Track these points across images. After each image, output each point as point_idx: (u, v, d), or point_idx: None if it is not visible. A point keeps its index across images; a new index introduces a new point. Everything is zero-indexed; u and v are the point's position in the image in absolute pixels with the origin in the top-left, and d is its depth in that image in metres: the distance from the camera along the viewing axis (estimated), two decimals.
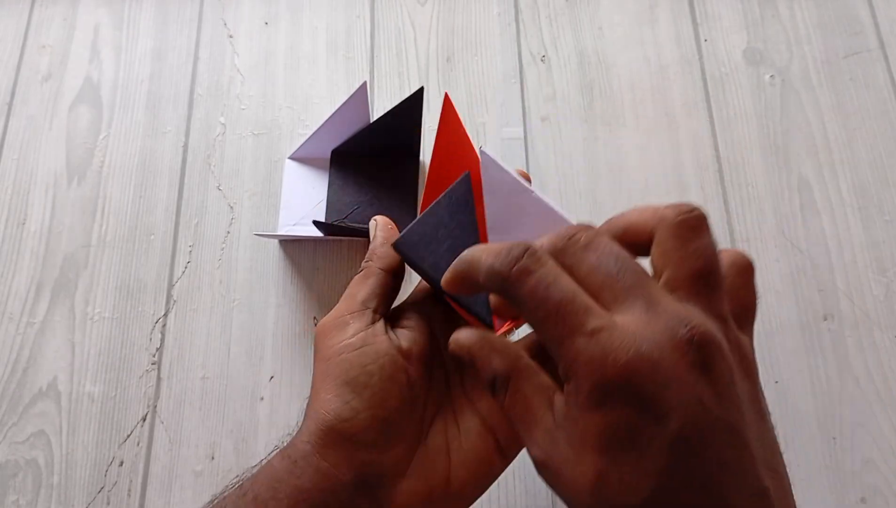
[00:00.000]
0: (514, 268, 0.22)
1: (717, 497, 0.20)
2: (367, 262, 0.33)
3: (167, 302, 0.45)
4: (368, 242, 0.46)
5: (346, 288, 0.46)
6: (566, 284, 0.22)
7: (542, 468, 0.22)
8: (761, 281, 0.45)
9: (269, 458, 0.30)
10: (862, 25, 0.52)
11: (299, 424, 0.30)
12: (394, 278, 0.33)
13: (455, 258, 0.26)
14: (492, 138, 0.49)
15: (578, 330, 0.21)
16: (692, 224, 0.23)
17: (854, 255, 0.46)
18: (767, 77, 0.51)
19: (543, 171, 0.48)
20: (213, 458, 0.42)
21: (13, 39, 0.53)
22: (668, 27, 0.52)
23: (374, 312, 0.32)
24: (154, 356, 0.44)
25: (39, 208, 0.48)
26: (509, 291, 0.22)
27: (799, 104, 0.50)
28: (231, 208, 0.48)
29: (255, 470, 0.30)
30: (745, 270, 0.24)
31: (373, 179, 0.47)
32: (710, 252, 0.23)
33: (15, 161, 0.49)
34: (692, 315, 0.21)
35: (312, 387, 0.30)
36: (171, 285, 0.46)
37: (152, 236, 0.47)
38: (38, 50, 0.53)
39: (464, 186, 0.33)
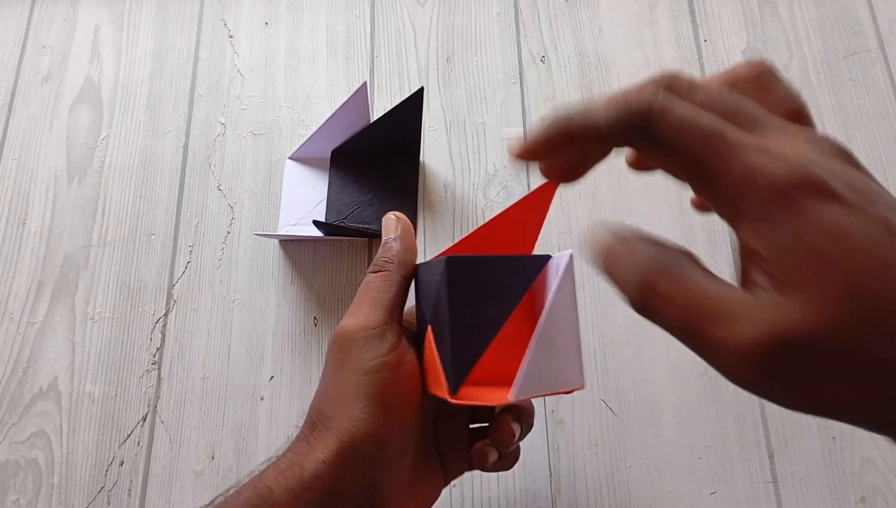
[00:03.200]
0: (655, 105, 0.20)
1: None
2: (387, 263, 0.32)
3: (167, 302, 0.45)
4: (368, 242, 0.46)
5: (346, 287, 0.47)
6: (708, 113, 0.20)
7: (777, 342, 0.18)
8: None
9: (260, 474, 0.28)
10: (862, 25, 0.52)
11: (304, 436, 0.29)
12: (408, 289, 0.32)
13: (473, 316, 0.27)
14: (492, 138, 0.49)
15: (742, 149, 0.19)
16: (769, 72, 0.23)
17: None
18: None
19: None
20: (213, 458, 0.42)
21: (14, 40, 0.53)
22: (667, 28, 0.53)
23: (399, 324, 0.31)
24: (154, 356, 0.44)
25: (40, 208, 0.48)
26: (653, 128, 0.20)
27: None
28: (231, 208, 0.48)
29: (240, 488, 0.28)
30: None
31: (373, 179, 0.47)
32: (795, 94, 0.22)
33: (15, 161, 0.49)
34: (820, 134, 0.20)
35: (337, 400, 0.28)
36: (171, 285, 0.46)
37: (153, 236, 0.47)
38: (39, 50, 0.53)
39: (531, 276, 0.29)
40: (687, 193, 0.49)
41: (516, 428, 0.32)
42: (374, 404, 0.28)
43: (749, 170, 0.19)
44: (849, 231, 0.18)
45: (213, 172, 0.49)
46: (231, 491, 0.28)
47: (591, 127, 0.22)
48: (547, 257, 0.29)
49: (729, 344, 0.18)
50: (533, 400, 0.36)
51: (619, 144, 0.22)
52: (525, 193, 0.48)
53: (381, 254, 0.32)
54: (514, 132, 0.49)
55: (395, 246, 0.32)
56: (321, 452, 0.28)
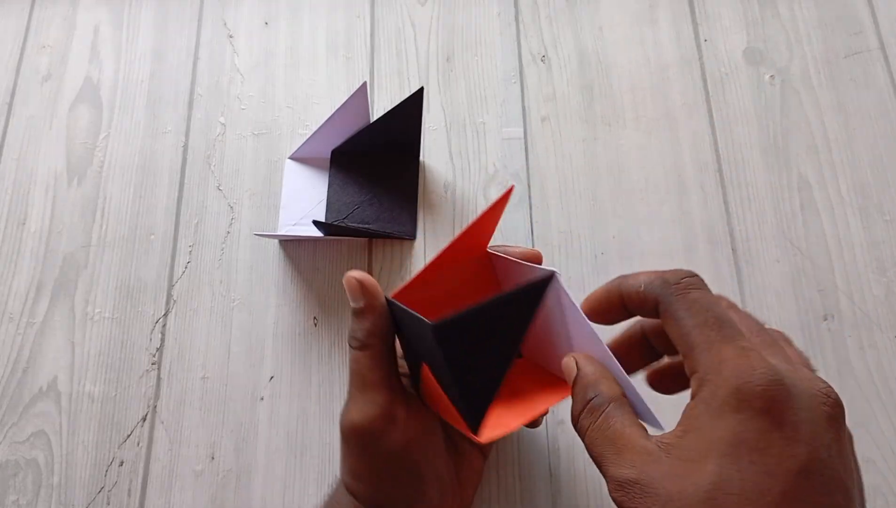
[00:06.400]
0: (683, 280, 0.25)
1: None
2: (369, 336, 0.31)
3: (167, 302, 0.45)
4: (368, 242, 0.46)
5: (344, 288, 0.46)
6: (725, 307, 0.24)
7: (632, 485, 0.23)
8: (761, 281, 0.45)
9: None
10: (862, 25, 0.52)
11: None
12: (394, 351, 0.33)
13: (477, 365, 0.28)
14: (492, 138, 0.49)
15: (731, 342, 0.23)
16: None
17: (854, 255, 0.46)
18: (767, 77, 0.51)
19: (543, 171, 0.48)
20: (213, 458, 0.42)
21: (13, 39, 0.53)
22: (668, 27, 0.52)
23: (399, 391, 0.32)
24: (154, 356, 0.44)
25: (39, 208, 0.48)
26: (672, 297, 0.25)
27: (799, 104, 0.50)
28: (231, 208, 0.48)
29: None
30: None
31: (373, 179, 0.47)
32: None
33: (15, 161, 0.49)
34: (827, 385, 0.23)
35: (375, 482, 0.31)
36: (171, 285, 0.46)
37: (152, 236, 0.47)
38: (38, 50, 0.53)
39: (533, 298, 0.28)
40: (686, 194, 0.49)
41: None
42: (409, 477, 0.31)
43: (718, 363, 0.22)
44: (757, 446, 0.21)
45: (212, 172, 0.49)
46: None
47: (633, 286, 0.27)
48: (543, 283, 0.27)
49: (609, 475, 0.24)
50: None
51: (648, 308, 0.26)
52: (525, 194, 0.48)
53: (358, 326, 0.31)
54: (515, 132, 0.49)
55: (370, 318, 0.31)
56: None
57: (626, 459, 0.23)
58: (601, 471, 0.25)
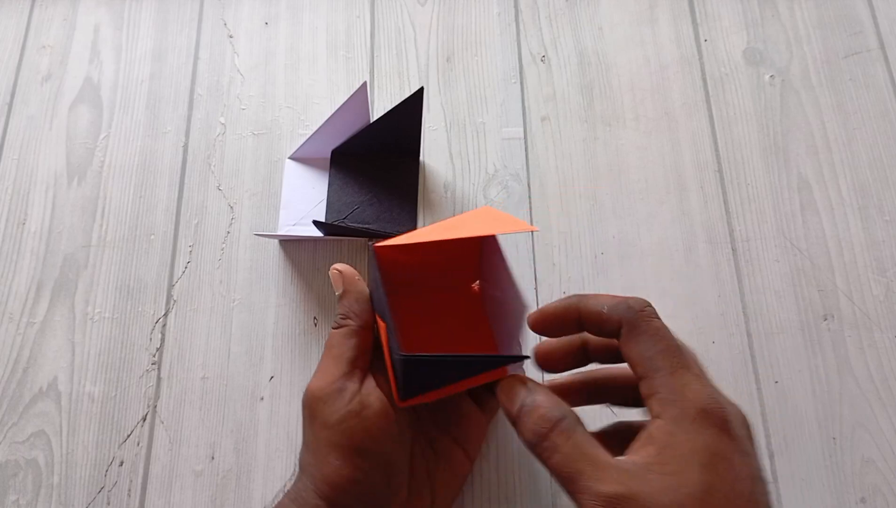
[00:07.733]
0: (646, 309, 0.28)
1: None
2: (345, 320, 0.35)
3: (167, 302, 0.45)
4: (368, 242, 0.46)
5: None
6: (673, 337, 0.28)
7: (624, 500, 0.25)
8: (761, 281, 0.45)
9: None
10: (862, 25, 0.52)
11: (300, 479, 0.33)
12: (370, 333, 0.35)
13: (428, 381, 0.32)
14: (492, 138, 0.49)
15: (688, 369, 0.27)
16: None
17: (854, 255, 0.46)
18: (767, 77, 0.51)
19: (543, 171, 0.48)
20: (213, 458, 0.42)
21: (13, 39, 0.53)
22: (667, 27, 0.52)
23: (362, 370, 0.33)
24: (154, 356, 0.44)
25: (39, 208, 0.48)
26: (638, 322, 0.28)
27: (799, 104, 0.50)
28: (231, 208, 0.48)
29: None
30: None
31: (373, 179, 0.47)
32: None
33: (15, 161, 0.49)
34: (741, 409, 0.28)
35: (315, 451, 0.32)
36: (171, 285, 0.46)
37: (152, 236, 0.47)
38: (38, 50, 0.53)
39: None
40: (686, 194, 0.49)
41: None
42: (348, 451, 0.31)
43: (682, 386, 0.26)
44: (724, 456, 0.25)
45: (213, 172, 0.49)
46: None
47: (594, 306, 0.29)
48: (518, 357, 0.33)
49: (593, 491, 0.25)
50: None
51: (608, 329, 0.29)
52: (525, 194, 0.48)
53: (338, 310, 0.35)
54: (515, 132, 0.49)
55: (346, 302, 0.35)
56: (318, 491, 0.31)
57: (609, 475, 0.25)
58: (576, 487, 0.26)
